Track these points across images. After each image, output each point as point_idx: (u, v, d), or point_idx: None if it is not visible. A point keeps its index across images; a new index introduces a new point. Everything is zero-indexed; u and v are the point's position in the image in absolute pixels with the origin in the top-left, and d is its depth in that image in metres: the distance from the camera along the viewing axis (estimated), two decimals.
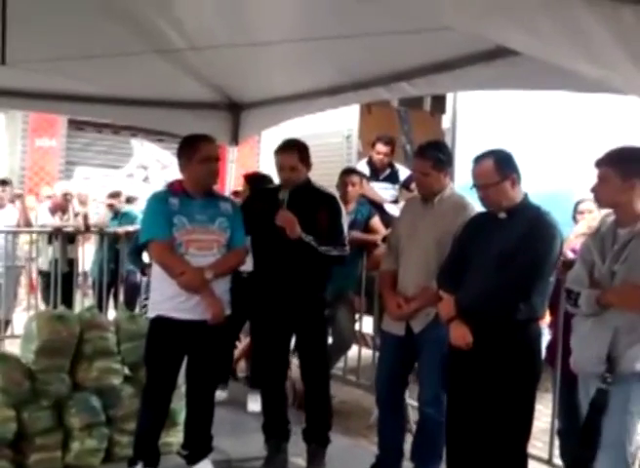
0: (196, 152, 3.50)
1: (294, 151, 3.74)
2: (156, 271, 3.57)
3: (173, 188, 3.62)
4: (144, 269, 5.02)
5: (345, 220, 3.88)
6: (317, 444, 3.85)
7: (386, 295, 3.64)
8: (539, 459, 3.91)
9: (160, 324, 3.51)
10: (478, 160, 3.08)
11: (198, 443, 3.70)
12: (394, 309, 3.52)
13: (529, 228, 2.97)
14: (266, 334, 3.84)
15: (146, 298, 4.96)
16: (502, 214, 3.08)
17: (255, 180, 5.04)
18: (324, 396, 3.90)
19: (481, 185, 3.05)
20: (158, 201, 3.57)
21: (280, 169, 3.76)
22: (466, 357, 3.06)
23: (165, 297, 3.49)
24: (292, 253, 3.63)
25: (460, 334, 3.04)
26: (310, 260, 3.67)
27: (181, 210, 3.48)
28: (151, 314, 3.57)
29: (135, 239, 5.31)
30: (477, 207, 3.42)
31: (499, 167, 3.01)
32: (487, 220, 3.16)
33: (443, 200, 3.53)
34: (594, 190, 2.84)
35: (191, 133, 3.71)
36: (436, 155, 3.50)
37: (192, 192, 3.54)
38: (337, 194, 4.12)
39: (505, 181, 3.01)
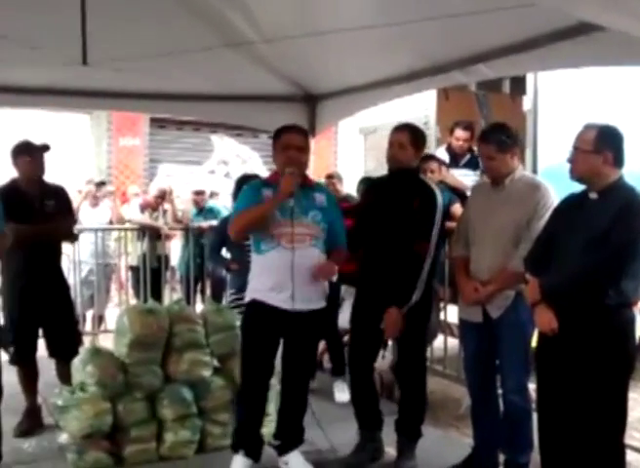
0: (277, 141, 3.53)
1: (405, 130, 3.72)
2: (255, 261, 3.57)
3: (268, 179, 3.64)
4: (228, 265, 5.06)
5: (439, 218, 3.70)
6: (408, 438, 3.81)
7: (461, 281, 3.59)
8: (637, 450, 3.79)
9: (256, 307, 3.52)
10: (586, 126, 3.00)
11: (290, 433, 3.71)
12: (471, 293, 3.48)
13: (622, 208, 2.85)
14: (363, 328, 3.82)
15: (233, 293, 5.02)
16: (594, 195, 2.97)
17: None
18: (420, 389, 3.83)
19: (574, 147, 2.97)
20: (251, 191, 3.57)
21: (389, 145, 3.75)
22: (555, 343, 2.97)
23: (263, 287, 3.50)
24: (398, 249, 3.63)
25: (545, 320, 2.96)
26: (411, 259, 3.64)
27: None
28: (247, 298, 3.59)
29: (214, 235, 5.34)
30: (551, 188, 3.37)
31: (598, 139, 2.91)
32: (577, 201, 3.05)
33: (514, 182, 3.47)
34: None
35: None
36: (499, 137, 3.44)
37: None
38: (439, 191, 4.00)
39: (597, 155, 2.90)
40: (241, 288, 3.99)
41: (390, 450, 3.87)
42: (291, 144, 3.50)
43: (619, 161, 2.94)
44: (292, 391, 3.68)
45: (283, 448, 3.69)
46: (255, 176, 4.69)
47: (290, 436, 3.70)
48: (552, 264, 2.99)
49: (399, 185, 3.74)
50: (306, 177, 3.62)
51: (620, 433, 3.00)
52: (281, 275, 3.44)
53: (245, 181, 4.26)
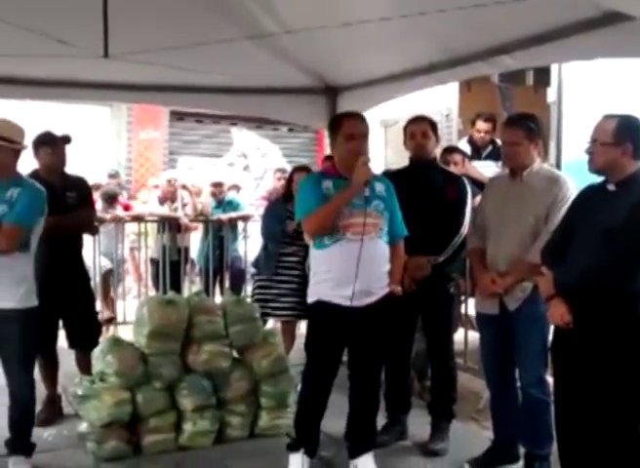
0: (339, 129, 3.41)
1: (425, 120, 3.91)
2: (313, 255, 3.48)
3: (327, 170, 3.58)
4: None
5: (470, 205, 3.89)
6: (442, 417, 3.90)
7: (478, 272, 3.58)
8: None
9: (320, 308, 3.40)
10: (605, 117, 2.93)
11: (360, 435, 3.53)
12: (488, 285, 3.45)
13: (639, 199, 2.80)
14: (400, 312, 3.71)
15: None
16: (611, 187, 2.92)
17: None
18: (449, 370, 3.95)
19: (593, 139, 2.91)
20: (311, 184, 3.48)
21: (412, 136, 3.86)
22: (571, 336, 2.93)
23: (327, 284, 3.37)
24: (423, 238, 3.66)
25: (558, 313, 2.92)
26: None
27: (336, 193, 3.35)
28: (311, 298, 3.46)
29: (269, 221, 5.21)
30: (570, 180, 3.35)
31: (617, 130, 2.84)
32: (596, 193, 3.00)
33: (532, 174, 3.42)
34: None
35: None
36: (528, 124, 3.41)
37: (345, 173, 3.37)
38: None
39: (616, 147, 2.84)
40: None
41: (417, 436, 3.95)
42: (355, 133, 3.38)
43: (639, 152, 2.88)
44: (362, 391, 3.49)
45: (353, 451, 3.51)
46: (305, 168, 5.06)
47: (360, 438, 3.52)
48: (568, 257, 2.95)
49: (427, 175, 3.84)
50: None
51: (638, 423, 2.95)
52: (346, 269, 3.27)
53: (295, 173, 4.83)
